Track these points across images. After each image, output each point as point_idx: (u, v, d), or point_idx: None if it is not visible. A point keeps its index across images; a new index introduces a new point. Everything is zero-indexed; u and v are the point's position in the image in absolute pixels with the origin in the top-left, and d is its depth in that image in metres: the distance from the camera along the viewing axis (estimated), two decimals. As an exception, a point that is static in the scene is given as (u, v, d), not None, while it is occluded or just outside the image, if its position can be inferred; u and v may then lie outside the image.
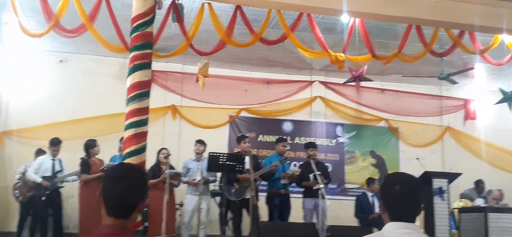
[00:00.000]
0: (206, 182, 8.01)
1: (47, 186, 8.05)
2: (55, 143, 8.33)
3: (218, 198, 9.17)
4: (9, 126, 9.98)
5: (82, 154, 8.07)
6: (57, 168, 8.31)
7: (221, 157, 7.25)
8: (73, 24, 6.89)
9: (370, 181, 9.16)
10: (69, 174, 8.22)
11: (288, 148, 9.48)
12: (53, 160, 8.33)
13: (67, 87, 10.26)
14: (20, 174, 8.62)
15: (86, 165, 7.87)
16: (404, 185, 2.22)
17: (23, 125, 9.92)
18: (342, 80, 10.26)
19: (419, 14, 6.85)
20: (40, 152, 8.78)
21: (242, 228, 7.85)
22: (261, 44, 7.65)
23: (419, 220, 7.11)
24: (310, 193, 8.12)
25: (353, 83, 8.54)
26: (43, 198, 8.06)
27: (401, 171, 11.25)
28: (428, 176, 7.53)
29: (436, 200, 7.38)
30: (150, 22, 5.94)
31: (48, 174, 8.19)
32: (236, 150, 8.86)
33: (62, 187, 8.39)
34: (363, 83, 8.71)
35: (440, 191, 7.42)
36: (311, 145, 8.56)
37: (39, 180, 8.06)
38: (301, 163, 9.59)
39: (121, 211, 1.94)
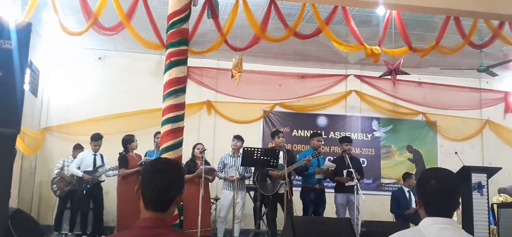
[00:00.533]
0: (242, 178, 8.07)
1: (88, 180, 8.29)
2: (97, 138, 8.56)
3: (252, 193, 9.23)
4: (49, 122, 10.32)
5: (121, 149, 8.27)
6: (99, 162, 8.54)
7: (255, 152, 7.29)
8: (111, 22, 7.05)
9: (406, 176, 9.03)
10: (110, 168, 8.42)
11: (323, 142, 9.43)
12: (95, 154, 8.56)
13: (105, 83, 10.51)
14: (58, 168, 8.87)
15: (124, 160, 8.06)
16: (441, 180, 2.19)
17: (63, 121, 10.23)
18: (377, 74, 10.14)
19: (458, 5, 6.69)
20: (78, 147, 9.04)
21: (277, 223, 7.89)
22: (295, 39, 7.63)
23: (457, 215, 6.98)
24: (342, 188, 8.07)
25: (389, 77, 8.41)
26: (84, 192, 8.31)
27: (439, 165, 11.05)
28: (466, 171, 7.37)
29: (475, 195, 7.22)
30: (186, 19, 6.03)
31: (90, 168, 8.44)
32: (270, 145, 8.89)
33: (103, 181, 8.60)
34: (399, 77, 8.57)
35: (479, 186, 7.26)
36: (346, 140, 8.50)
37: (80, 174, 8.32)
38: (335, 157, 9.54)
39: (159, 205, 1.99)
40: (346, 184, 7.89)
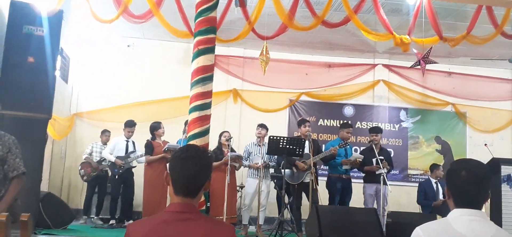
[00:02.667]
0: (267, 166, 8.10)
1: (121, 165, 8.45)
2: (131, 125, 8.71)
3: (275, 181, 9.24)
4: (79, 108, 10.53)
5: (149, 136, 8.39)
6: (131, 148, 8.69)
7: (281, 141, 7.30)
8: (141, 10, 7.14)
9: (433, 167, 8.92)
10: (140, 154, 8.56)
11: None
12: (127, 141, 8.71)
13: (133, 71, 10.64)
14: (87, 154, 9.03)
15: (149, 147, 8.20)
16: (470, 171, 2.17)
17: (92, 107, 10.43)
18: (406, 63, 10.00)
19: (490, -7, 6.55)
20: (105, 132, 9.21)
21: (301, 212, 7.90)
22: (323, 27, 7.58)
23: (485, 207, 6.88)
24: (371, 178, 8.02)
25: (418, 67, 8.29)
26: (116, 177, 8.48)
27: (468, 157, 10.86)
28: (496, 163, 7.25)
29: (504, 187, 7.11)
30: (214, 7, 6.06)
31: (122, 154, 8.59)
32: (296, 134, 8.87)
33: (134, 167, 8.76)
34: (428, 66, 8.43)
35: (509, 178, 7.13)
36: (376, 130, 8.43)
37: (113, 159, 8.48)
38: (363, 148, 9.48)
39: (189, 190, 2.03)
40: (377, 172, 7.83)
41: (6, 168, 3.77)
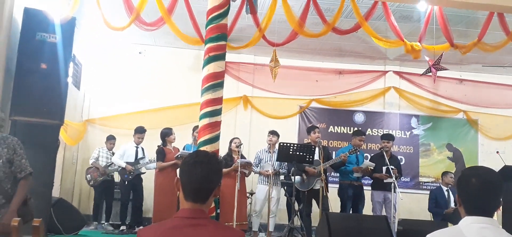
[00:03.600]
0: (278, 173, 8.09)
1: (131, 170, 8.50)
2: (141, 131, 8.77)
3: (286, 188, 9.23)
4: (91, 114, 10.61)
5: (159, 142, 8.43)
6: (140, 154, 8.74)
7: (291, 147, 7.29)
8: (152, 17, 7.19)
9: (444, 173, 8.87)
10: (149, 160, 8.60)
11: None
12: (137, 147, 8.76)
13: (145, 78, 10.71)
14: (94, 159, 9.08)
15: (161, 153, 8.23)
16: (482, 178, 2.15)
17: (104, 114, 10.50)
18: (417, 70, 9.95)
19: (502, 0, 6.50)
20: (111, 138, 9.26)
21: (311, 219, 7.88)
22: (333, 34, 7.58)
23: (497, 215, 6.80)
24: (379, 185, 7.99)
25: (430, 74, 8.24)
26: (126, 183, 8.53)
27: (479, 164, 10.77)
28: (508, 170, 7.17)
29: (516, 195, 7.01)
30: (225, 14, 6.09)
31: (131, 160, 8.64)
32: (306, 141, 8.87)
33: (144, 173, 8.80)
34: (440, 73, 8.38)
35: (521, 186, 7.04)
36: (388, 137, 8.40)
37: (123, 164, 8.53)
38: (372, 154, 9.44)
39: (199, 196, 2.04)
40: (385, 181, 7.81)
41: (13, 169, 3.82)
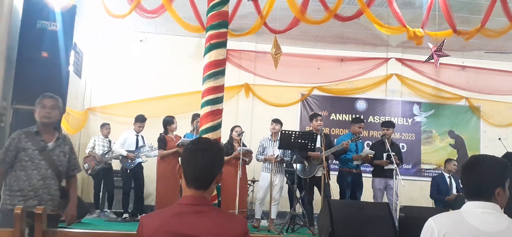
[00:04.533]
0: (282, 161, 8.09)
1: (133, 158, 8.52)
2: (142, 120, 8.76)
3: (288, 175, 9.24)
4: (93, 103, 10.61)
5: (161, 130, 8.43)
6: (140, 143, 8.75)
7: (292, 135, 7.29)
8: (153, 4, 7.16)
9: (447, 161, 8.87)
10: (151, 147, 8.61)
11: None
12: (137, 135, 8.77)
13: (146, 66, 10.69)
14: (90, 148, 9.04)
15: (162, 141, 8.24)
16: (482, 165, 2.18)
17: (105, 102, 10.50)
18: (419, 57, 9.93)
19: (505, -14, 6.46)
20: (105, 125, 9.23)
21: (313, 206, 7.89)
22: (335, 21, 7.55)
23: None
24: (380, 172, 7.99)
25: (432, 61, 8.21)
26: (128, 171, 8.54)
27: (481, 151, 10.78)
28: (510, 157, 7.16)
29: (518, 181, 7.02)
30: (226, 1, 6.05)
31: (132, 148, 8.65)
32: (307, 128, 8.87)
33: (144, 161, 8.81)
34: (442, 60, 8.34)
35: (523, 172, 7.05)
36: (388, 124, 8.38)
37: (124, 153, 8.54)
38: (373, 141, 9.43)
39: (201, 182, 2.04)
40: (386, 167, 7.82)
41: (68, 166, 3.95)
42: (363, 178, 8.24)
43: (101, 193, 9.13)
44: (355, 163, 8.03)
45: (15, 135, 3.78)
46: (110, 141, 9.11)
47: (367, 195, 8.32)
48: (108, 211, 8.92)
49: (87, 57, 10.30)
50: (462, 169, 2.26)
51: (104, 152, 8.92)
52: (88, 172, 8.94)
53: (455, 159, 9.52)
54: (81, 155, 10.31)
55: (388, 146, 7.83)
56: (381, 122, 9.57)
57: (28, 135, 3.77)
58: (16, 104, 6.20)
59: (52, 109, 3.86)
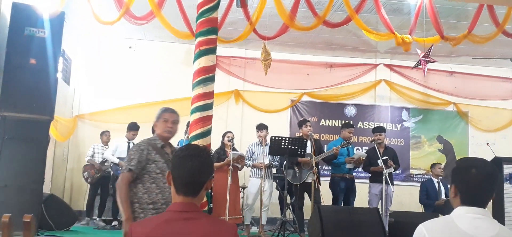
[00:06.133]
0: (270, 166, 8.09)
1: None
2: (135, 129, 8.72)
3: (278, 181, 9.24)
4: (81, 110, 10.55)
5: (150, 136, 8.38)
6: None
7: (283, 141, 7.30)
8: (142, 11, 7.14)
9: (433, 165, 8.94)
10: None
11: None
12: (129, 142, 8.72)
13: (135, 72, 10.65)
14: (89, 156, 9.02)
15: (152, 148, 8.19)
16: (482, 169, 2.16)
17: (94, 109, 10.44)
18: (408, 63, 10.00)
19: (492, -8, 6.54)
20: (104, 132, 9.21)
21: (304, 212, 7.89)
22: (324, 27, 7.58)
23: (488, 207, 6.87)
24: (377, 178, 8.02)
25: (420, 67, 8.28)
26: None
27: (470, 156, 10.85)
28: (498, 162, 7.25)
29: (507, 186, 7.12)
30: (215, 7, 6.04)
31: (124, 155, 8.59)
32: (297, 134, 8.88)
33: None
34: (430, 66, 8.41)
35: (511, 177, 7.14)
36: (379, 129, 8.42)
37: (116, 160, 8.49)
38: (365, 148, 9.47)
39: (190, 189, 2.03)
40: (385, 171, 7.83)
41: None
42: (356, 184, 8.26)
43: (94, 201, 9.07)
44: (347, 166, 8.04)
45: (143, 146, 3.75)
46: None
47: (361, 201, 8.34)
48: (98, 218, 8.85)
49: (75, 64, 10.24)
50: (461, 173, 2.22)
51: (103, 160, 8.86)
52: (88, 181, 8.88)
53: (443, 164, 9.59)
54: (70, 163, 10.28)
55: (381, 151, 7.87)
56: (370, 127, 9.62)
57: (155, 147, 3.78)
58: (3, 111, 6.13)
59: (174, 124, 3.91)
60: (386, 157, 7.74)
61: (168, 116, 3.89)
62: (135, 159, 3.65)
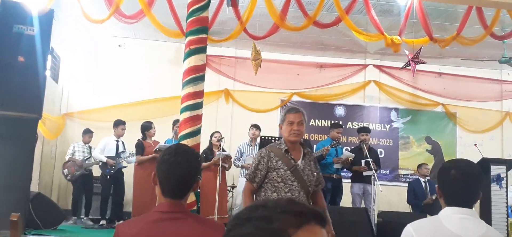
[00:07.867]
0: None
1: (113, 165, 8.41)
2: (121, 123, 8.66)
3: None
4: (70, 108, 10.46)
5: (139, 136, 8.36)
6: (121, 148, 8.65)
7: (272, 141, 7.30)
8: (132, 10, 7.11)
9: (419, 165, 9.01)
10: (131, 154, 8.51)
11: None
12: (117, 140, 8.67)
13: (125, 71, 10.59)
14: (70, 154, 8.90)
15: (140, 147, 8.18)
16: (461, 169, 2.19)
17: (83, 107, 10.35)
18: (397, 64, 10.05)
19: (480, -5, 6.60)
20: (87, 132, 9.10)
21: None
22: (314, 28, 7.61)
23: (475, 207, 6.93)
24: (358, 178, 8.06)
25: (409, 67, 8.34)
26: (108, 177, 8.43)
27: (458, 157, 10.94)
28: (486, 163, 7.31)
29: (494, 187, 7.18)
30: (206, 6, 6.05)
31: (112, 154, 8.55)
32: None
33: (125, 167, 8.72)
34: (419, 67, 8.48)
35: (498, 178, 7.21)
36: (364, 130, 8.47)
37: (104, 159, 8.43)
38: (352, 147, 9.51)
39: (177, 192, 2.03)
40: (364, 174, 7.89)
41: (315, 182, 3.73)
42: (342, 184, 8.30)
43: (79, 200, 9.00)
44: (335, 166, 8.07)
45: (264, 153, 3.55)
46: (90, 147, 8.98)
47: (345, 200, 8.37)
48: (85, 218, 8.79)
49: (64, 62, 10.16)
50: (442, 175, 2.25)
51: (85, 158, 8.80)
52: (68, 178, 8.80)
53: (431, 164, 9.66)
54: (58, 162, 10.20)
55: (366, 152, 7.90)
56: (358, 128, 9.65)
57: (278, 153, 3.55)
58: (-9, 109, 6.07)
59: (300, 126, 3.63)
60: (371, 159, 7.78)
61: (293, 118, 3.65)
62: (252, 168, 3.53)
